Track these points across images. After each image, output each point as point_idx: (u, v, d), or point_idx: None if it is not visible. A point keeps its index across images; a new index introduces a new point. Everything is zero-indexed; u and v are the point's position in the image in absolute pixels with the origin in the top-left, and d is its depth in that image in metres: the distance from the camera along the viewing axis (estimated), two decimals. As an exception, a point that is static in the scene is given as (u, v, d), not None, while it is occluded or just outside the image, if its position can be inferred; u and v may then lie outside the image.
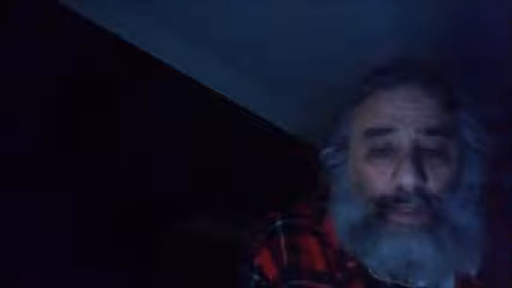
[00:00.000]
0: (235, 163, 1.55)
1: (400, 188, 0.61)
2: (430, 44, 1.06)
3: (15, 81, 1.32)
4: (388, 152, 0.63)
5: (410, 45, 1.04)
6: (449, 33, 1.05)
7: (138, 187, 1.60)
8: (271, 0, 1.09)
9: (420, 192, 0.61)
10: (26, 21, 1.23)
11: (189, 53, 1.33)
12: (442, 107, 0.64)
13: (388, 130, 0.63)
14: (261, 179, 1.49)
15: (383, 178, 0.63)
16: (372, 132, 0.64)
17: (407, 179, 0.60)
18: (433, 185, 0.61)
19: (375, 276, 0.66)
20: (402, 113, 0.62)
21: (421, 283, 0.65)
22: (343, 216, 0.67)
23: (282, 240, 0.73)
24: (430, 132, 0.62)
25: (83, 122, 1.44)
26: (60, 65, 1.32)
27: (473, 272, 0.65)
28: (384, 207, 0.63)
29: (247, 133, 1.48)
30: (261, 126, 1.45)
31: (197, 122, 1.48)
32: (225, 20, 1.18)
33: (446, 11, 1.01)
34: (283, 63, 1.29)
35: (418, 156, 0.61)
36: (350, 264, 0.68)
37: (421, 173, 0.61)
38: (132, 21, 1.25)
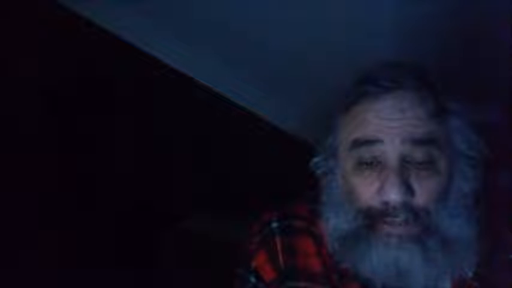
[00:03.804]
0: (235, 163, 1.55)
1: (386, 203, 0.61)
2: (430, 44, 1.06)
3: (16, 80, 1.32)
4: (375, 164, 0.62)
5: (410, 46, 1.04)
6: (449, 33, 1.05)
7: (138, 187, 1.60)
8: (271, 0, 1.09)
9: (407, 206, 0.60)
10: (26, 21, 1.23)
11: (189, 53, 1.32)
12: (431, 115, 0.62)
13: (374, 142, 0.62)
14: (261, 179, 1.49)
15: (370, 190, 0.62)
16: (358, 144, 0.63)
17: (393, 196, 0.59)
18: (420, 199, 0.60)
19: (370, 277, 0.66)
20: (388, 124, 0.61)
21: (415, 287, 0.64)
22: (332, 224, 0.67)
23: (278, 242, 0.73)
24: (417, 143, 0.61)
25: (82, 121, 1.44)
26: (60, 65, 1.32)
27: (470, 273, 0.65)
28: (372, 219, 0.62)
29: (247, 133, 1.48)
30: (261, 126, 1.45)
31: (197, 121, 1.48)
32: (225, 20, 1.18)
33: (446, 11, 1.01)
34: (283, 63, 1.29)
35: (404, 170, 0.60)
36: (344, 265, 0.68)
37: (407, 188, 0.60)
38: (132, 21, 1.25)
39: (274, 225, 0.75)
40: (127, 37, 1.26)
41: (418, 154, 0.61)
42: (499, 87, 1.07)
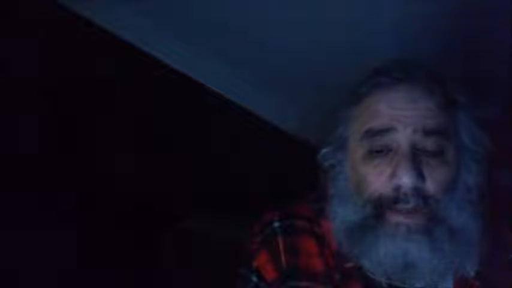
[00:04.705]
0: (235, 163, 1.55)
1: (398, 188, 0.61)
2: (430, 44, 1.06)
3: (16, 81, 1.32)
4: (386, 153, 0.63)
5: (410, 46, 1.04)
6: (449, 33, 1.05)
7: (138, 187, 1.60)
8: (272, 0, 1.09)
9: (418, 192, 0.61)
10: (26, 21, 1.23)
11: (189, 53, 1.33)
12: (441, 107, 0.64)
13: (386, 130, 0.63)
14: (261, 179, 1.49)
15: (381, 178, 0.63)
16: (371, 133, 0.64)
17: (406, 179, 0.60)
18: (430, 186, 0.61)
19: (373, 277, 0.66)
20: (400, 113, 0.63)
21: (419, 284, 0.64)
22: (340, 216, 0.68)
23: (280, 242, 0.73)
24: (428, 133, 0.62)
25: (82, 121, 1.45)
26: (60, 65, 1.32)
27: (471, 272, 0.65)
28: (381, 208, 0.63)
29: (246, 133, 1.48)
30: (261, 126, 1.45)
31: (197, 121, 1.48)
32: (225, 20, 1.18)
33: (446, 11, 1.01)
34: (284, 63, 1.29)
35: (416, 157, 0.61)
36: (348, 265, 0.68)
37: (419, 173, 0.61)
38: (132, 21, 1.25)
39: (276, 224, 0.75)
40: (127, 37, 1.26)
41: (429, 144, 0.62)
42: (499, 86, 1.07)
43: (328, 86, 1.10)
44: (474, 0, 0.99)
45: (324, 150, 0.72)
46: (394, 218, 0.62)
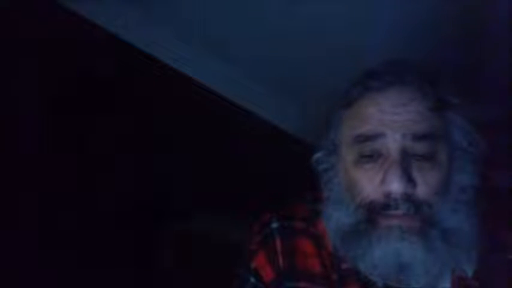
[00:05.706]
0: (235, 163, 1.55)
1: (388, 195, 0.61)
2: (429, 44, 1.06)
3: (16, 81, 1.32)
4: (377, 158, 0.63)
5: (409, 45, 1.04)
6: (449, 33, 1.05)
7: (138, 187, 1.60)
8: (271, 0, 1.09)
9: (409, 198, 0.60)
10: (26, 21, 1.23)
11: (189, 53, 1.33)
12: (432, 110, 0.63)
13: (376, 136, 0.62)
14: (261, 179, 1.49)
15: (372, 184, 0.63)
16: (361, 138, 0.64)
17: (395, 186, 0.60)
18: (422, 191, 0.61)
19: (370, 277, 0.66)
20: (390, 118, 0.62)
21: (416, 285, 0.64)
22: (334, 220, 0.67)
23: (278, 243, 0.73)
24: (417, 137, 0.61)
25: (83, 121, 1.44)
26: (60, 65, 1.32)
27: (469, 272, 0.65)
28: (373, 212, 0.62)
29: (246, 133, 1.48)
30: (261, 126, 1.45)
31: (197, 121, 1.48)
32: (225, 20, 1.18)
33: (445, 11, 1.01)
34: (283, 63, 1.30)
35: (406, 162, 0.61)
36: (345, 265, 0.68)
37: (409, 180, 0.60)
38: (132, 21, 1.25)
39: (274, 225, 0.75)
40: (127, 37, 1.26)
41: (419, 148, 0.62)
42: (498, 86, 1.07)
43: (327, 86, 1.10)
44: (475, 0, 0.99)
45: (317, 155, 0.72)
46: (386, 222, 0.61)
